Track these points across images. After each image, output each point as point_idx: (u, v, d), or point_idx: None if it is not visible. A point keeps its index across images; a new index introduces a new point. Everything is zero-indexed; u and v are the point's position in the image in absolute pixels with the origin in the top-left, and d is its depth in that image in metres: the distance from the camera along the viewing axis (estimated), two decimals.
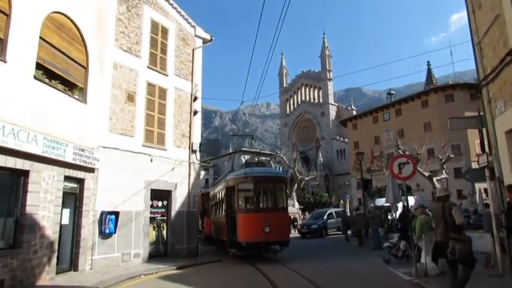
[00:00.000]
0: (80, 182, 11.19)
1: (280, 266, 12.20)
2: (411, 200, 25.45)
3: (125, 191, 12.66)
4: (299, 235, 25.92)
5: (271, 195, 14.10)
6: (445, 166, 27.97)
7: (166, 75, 15.01)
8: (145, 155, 13.63)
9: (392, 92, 68.39)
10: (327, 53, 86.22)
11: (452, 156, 27.08)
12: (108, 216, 11.88)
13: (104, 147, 12.09)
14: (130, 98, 13.28)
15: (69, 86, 10.66)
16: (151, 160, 13.83)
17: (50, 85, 9.72)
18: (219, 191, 16.70)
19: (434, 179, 26.45)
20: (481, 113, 8.42)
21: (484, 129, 8.92)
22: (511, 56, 6.21)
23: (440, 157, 27.86)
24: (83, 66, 11.24)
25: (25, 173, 8.86)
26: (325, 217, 25.79)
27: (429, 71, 76.25)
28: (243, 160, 72.76)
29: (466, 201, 31.15)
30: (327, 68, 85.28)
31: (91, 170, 11.45)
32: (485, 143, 8.95)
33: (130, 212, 12.75)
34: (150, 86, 14.14)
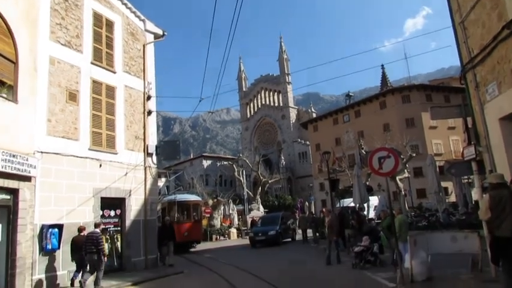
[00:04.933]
0: (14, 192, 9.69)
1: (247, 274, 11.40)
2: (374, 200, 25.52)
3: (70, 200, 11.25)
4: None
5: (190, 212, 22.66)
6: (407, 165, 28.20)
7: (114, 72, 13.69)
8: (93, 159, 12.27)
9: (351, 94, 69.46)
10: (285, 56, 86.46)
11: (414, 155, 27.27)
12: (50, 230, 10.41)
13: (42, 152, 10.64)
14: (72, 97, 11.87)
15: None
16: (100, 165, 12.47)
17: None
18: (160, 208, 21.76)
19: (397, 178, 26.49)
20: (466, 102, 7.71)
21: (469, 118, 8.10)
22: (508, 29, 5.51)
23: (402, 156, 28.03)
24: (11, 61, 9.82)
25: None
26: (279, 222, 22.35)
27: (384, 75, 78.32)
28: (205, 165, 71.30)
29: (426, 201, 31.58)
30: (286, 72, 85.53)
31: (26, 179, 9.98)
32: (470, 133, 8.20)
33: (77, 224, 11.27)
34: (96, 83, 12.79)
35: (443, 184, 20.06)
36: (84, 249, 10.04)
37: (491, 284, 6.92)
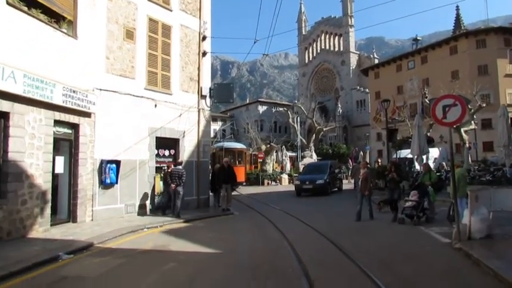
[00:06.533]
0: (75, 127, 10.16)
1: (294, 220, 11.36)
2: (434, 152, 24.04)
3: (127, 138, 11.62)
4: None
5: (236, 157, 26.58)
6: (475, 116, 25.87)
7: (171, 10, 13.36)
8: (149, 99, 12.42)
9: (418, 38, 63.90)
10: None
11: (484, 105, 24.78)
12: (109, 165, 10.93)
13: (101, 89, 10.89)
14: (130, 34, 11.81)
15: (55, 18, 9.32)
16: (155, 105, 12.63)
17: (29, 14, 8.40)
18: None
19: (462, 130, 24.48)
20: None
21: None
22: None
23: (470, 106, 25.61)
24: None
25: (4, 115, 7.84)
26: (328, 171, 20.90)
27: (458, 17, 70.76)
28: (261, 110, 71.35)
29: (493, 154, 29.18)
30: (349, 14, 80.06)
31: (86, 115, 10.36)
32: None
33: (133, 161, 11.79)
34: (152, 22, 12.59)
35: None
36: (171, 181, 11.81)
37: None
